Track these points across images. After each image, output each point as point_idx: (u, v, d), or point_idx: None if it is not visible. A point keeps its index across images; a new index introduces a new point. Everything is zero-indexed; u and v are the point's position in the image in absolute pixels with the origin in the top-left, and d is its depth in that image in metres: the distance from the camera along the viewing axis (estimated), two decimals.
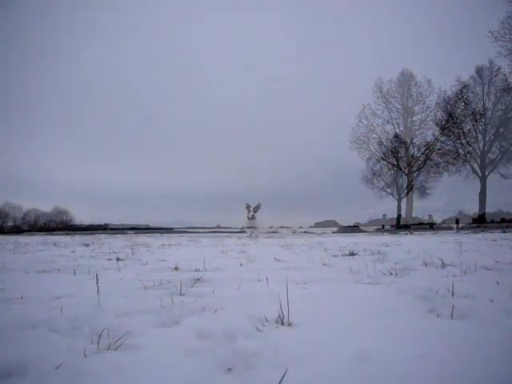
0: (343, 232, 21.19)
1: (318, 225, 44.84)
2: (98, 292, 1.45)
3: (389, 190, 32.94)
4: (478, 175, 27.27)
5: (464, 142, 27.55)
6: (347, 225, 36.61)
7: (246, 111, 58.59)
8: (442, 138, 28.53)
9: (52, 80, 51.40)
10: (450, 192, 31.29)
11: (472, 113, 27.01)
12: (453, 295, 1.71)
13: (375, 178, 33.22)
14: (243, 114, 58.64)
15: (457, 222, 24.79)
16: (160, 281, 2.21)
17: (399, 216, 30.76)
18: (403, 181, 32.09)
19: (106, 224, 37.86)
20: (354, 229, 29.59)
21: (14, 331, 1.25)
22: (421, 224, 29.88)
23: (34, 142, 46.34)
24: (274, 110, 59.71)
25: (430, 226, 26.52)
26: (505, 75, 25.59)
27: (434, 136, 29.11)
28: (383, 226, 32.36)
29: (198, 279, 2.36)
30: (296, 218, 50.55)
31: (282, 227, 39.33)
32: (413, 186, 30.05)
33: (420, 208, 33.83)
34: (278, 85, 58.94)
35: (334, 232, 19.01)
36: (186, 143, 58.52)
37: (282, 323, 1.30)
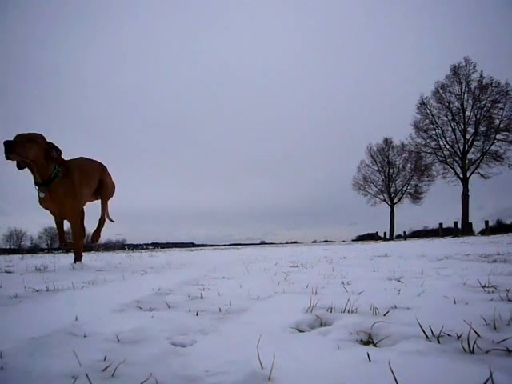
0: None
1: (359, 238, 41.23)
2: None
3: (381, 197, 32.68)
4: (459, 177, 26.56)
5: (443, 142, 27.23)
6: (389, 237, 31.36)
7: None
8: (420, 141, 28.18)
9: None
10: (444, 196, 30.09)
11: (451, 112, 26.62)
12: None
13: (367, 184, 32.96)
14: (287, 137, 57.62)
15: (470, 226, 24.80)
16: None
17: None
18: (396, 186, 32.10)
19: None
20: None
21: (29, 338, 1.13)
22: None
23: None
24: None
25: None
26: (482, 72, 24.98)
27: (412, 138, 28.87)
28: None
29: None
30: (339, 230, 48.79)
31: (325, 241, 37.47)
32: (405, 191, 30.16)
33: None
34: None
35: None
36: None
37: None
